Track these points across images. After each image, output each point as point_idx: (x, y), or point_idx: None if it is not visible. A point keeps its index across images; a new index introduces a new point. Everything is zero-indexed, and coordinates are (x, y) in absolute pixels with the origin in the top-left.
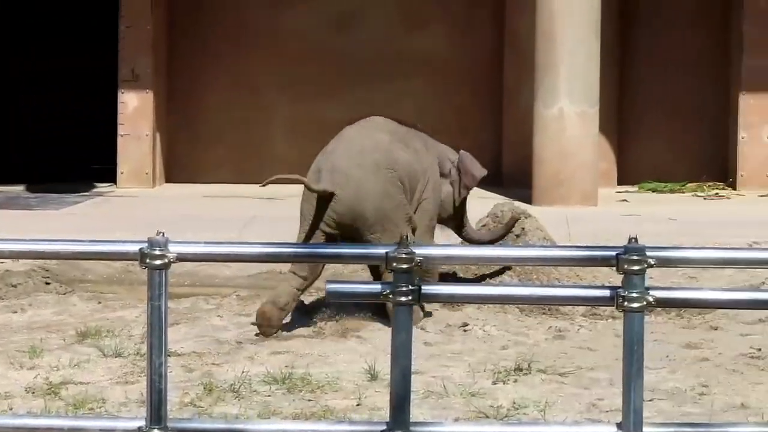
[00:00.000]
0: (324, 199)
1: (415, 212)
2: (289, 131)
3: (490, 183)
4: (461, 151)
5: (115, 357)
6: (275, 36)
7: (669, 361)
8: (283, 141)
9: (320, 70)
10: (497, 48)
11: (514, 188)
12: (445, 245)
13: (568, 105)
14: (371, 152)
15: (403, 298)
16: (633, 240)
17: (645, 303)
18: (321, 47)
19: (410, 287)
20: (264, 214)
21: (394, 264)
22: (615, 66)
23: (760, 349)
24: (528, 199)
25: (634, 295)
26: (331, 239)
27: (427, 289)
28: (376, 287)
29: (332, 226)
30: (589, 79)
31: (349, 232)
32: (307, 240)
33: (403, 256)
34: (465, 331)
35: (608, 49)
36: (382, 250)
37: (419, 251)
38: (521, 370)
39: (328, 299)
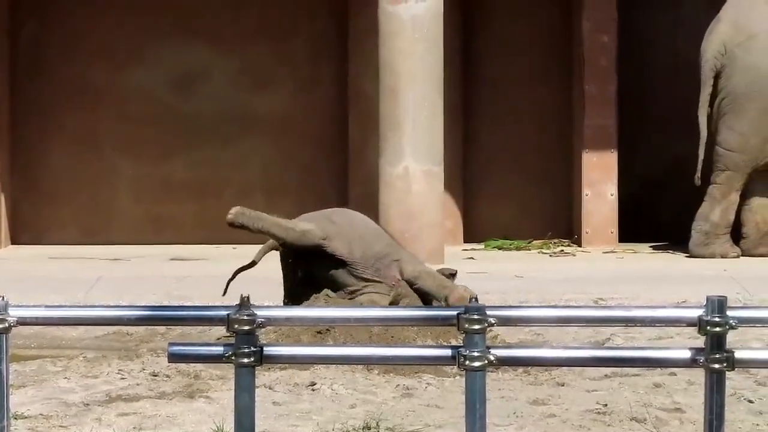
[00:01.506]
0: None
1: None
2: (135, 191)
3: None
4: None
5: None
6: (118, 96)
7: (516, 418)
8: (129, 201)
9: (164, 130)
10: (342, 106)
11: None
12: (288, 307)
13: (413, 163)
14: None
15: (245, 360)
16: (473, 299)
17: (486, 362)
18: (165, 107)
19: (252, 349)
20: (110, 275)
21: (236, 326)
22: (459, 125)
23: (606, 405)
24: None
25: (475, 354)
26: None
27: (269, 350)
28: (218, 349)
29: None
30: (433, 138)
31: None
32: None
33: (245, 318)
34: (313, 390)
35: (452, 109)
36: (223, 312)
37: (261, 313)
38: (369, 428)
39: (170, 361)
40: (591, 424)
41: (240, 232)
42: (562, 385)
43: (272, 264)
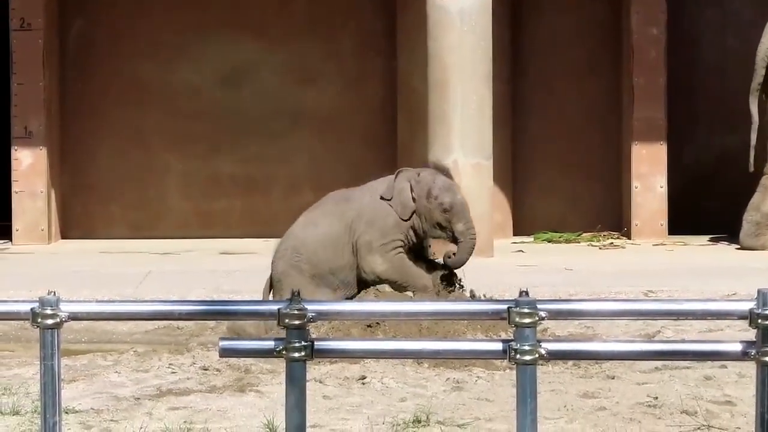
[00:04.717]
0: None
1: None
2: (183, 187)
3: None
4: (397, 181)
5: (13, 415)
6: (167, 92)
7: (567, 411)
8: (177, 197)
9: (213, 126)
10: (390, 101)
11: None
12: (338, 301)
13: (462, 157)
14: (285, 240)
15: (296, 354)
16: (524, 293)
17: (537, 356)
18: (213, 103)
19: (303, 343)
20: (160, 269)
21: (286, 320)
22: (508, 118)
23: (656, 398)
24: None
25: (526, 348)
26: None
27: (320, 344)
28: (269, 343)
29: None
30: (482, 131)
31: None
32: None
33: (295, 312)
34: (363, 383)
35: (501, 102)
36: (274, 307)
37: (311, 307)
38: (420, 422)
39: (221, 356)
40: (641, 417)
41: (288, 227)
42: (612, 378)
43: None
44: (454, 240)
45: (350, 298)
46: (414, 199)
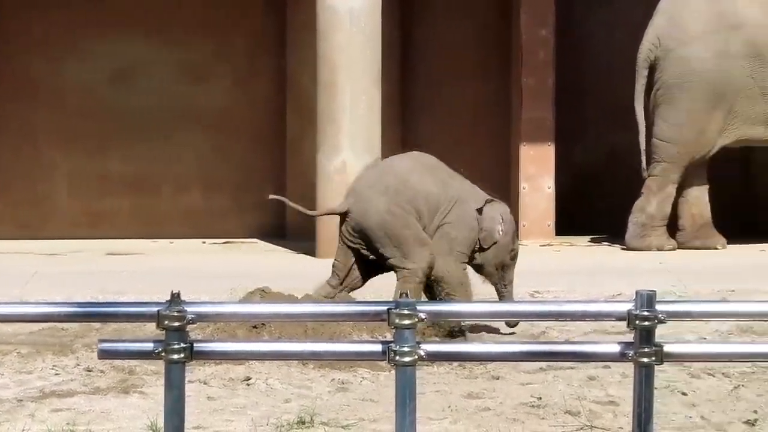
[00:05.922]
0: (342, 217)
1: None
2: (72, 186)
3: (274, 235)
4: (489, 207)
5: None
6: (57, 90)
7: (451, 411)
8: (66, 195)
9: (102, 125)
10: (280, 100)
11: (299, 241)
12: (219, 303)
13: (351, 157)
14: (386, 175)
15: (175, 356)
16: (404, 295)
17: (416, 357)
18: (103, 101)
19: (182, 345)
20: (46, 270)
21: (166, 322)
22: (397, 119)
23: (540, 398)
24: (312, 252)
25: (405, 349)
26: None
27: (199, 346)
28: (148, 345)
29: (351, 240)
30: (371, 131)
31: (370, 249)
32: (338, 255)
33: (175, 314)
34: (248, 384)
35: (390, 103)
36: (153, 309)
37: (191, 309)
38: (304, 423)
39: (100, 357)
40: (525, 418)
41: (176, 227)
42: (497, 379)
43: (212, 257)
44: (498, 285)
45: None
46: (499, 233)
